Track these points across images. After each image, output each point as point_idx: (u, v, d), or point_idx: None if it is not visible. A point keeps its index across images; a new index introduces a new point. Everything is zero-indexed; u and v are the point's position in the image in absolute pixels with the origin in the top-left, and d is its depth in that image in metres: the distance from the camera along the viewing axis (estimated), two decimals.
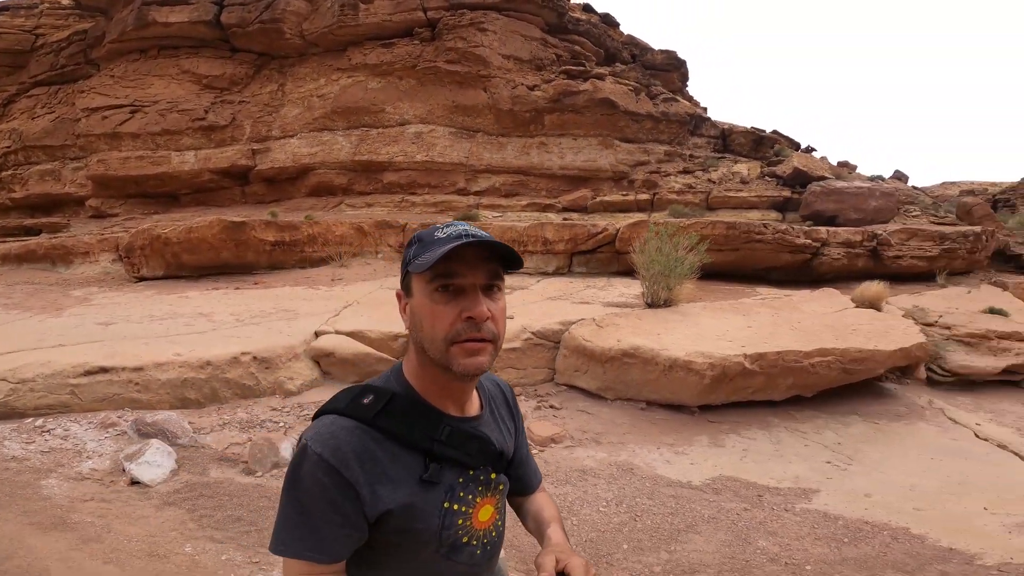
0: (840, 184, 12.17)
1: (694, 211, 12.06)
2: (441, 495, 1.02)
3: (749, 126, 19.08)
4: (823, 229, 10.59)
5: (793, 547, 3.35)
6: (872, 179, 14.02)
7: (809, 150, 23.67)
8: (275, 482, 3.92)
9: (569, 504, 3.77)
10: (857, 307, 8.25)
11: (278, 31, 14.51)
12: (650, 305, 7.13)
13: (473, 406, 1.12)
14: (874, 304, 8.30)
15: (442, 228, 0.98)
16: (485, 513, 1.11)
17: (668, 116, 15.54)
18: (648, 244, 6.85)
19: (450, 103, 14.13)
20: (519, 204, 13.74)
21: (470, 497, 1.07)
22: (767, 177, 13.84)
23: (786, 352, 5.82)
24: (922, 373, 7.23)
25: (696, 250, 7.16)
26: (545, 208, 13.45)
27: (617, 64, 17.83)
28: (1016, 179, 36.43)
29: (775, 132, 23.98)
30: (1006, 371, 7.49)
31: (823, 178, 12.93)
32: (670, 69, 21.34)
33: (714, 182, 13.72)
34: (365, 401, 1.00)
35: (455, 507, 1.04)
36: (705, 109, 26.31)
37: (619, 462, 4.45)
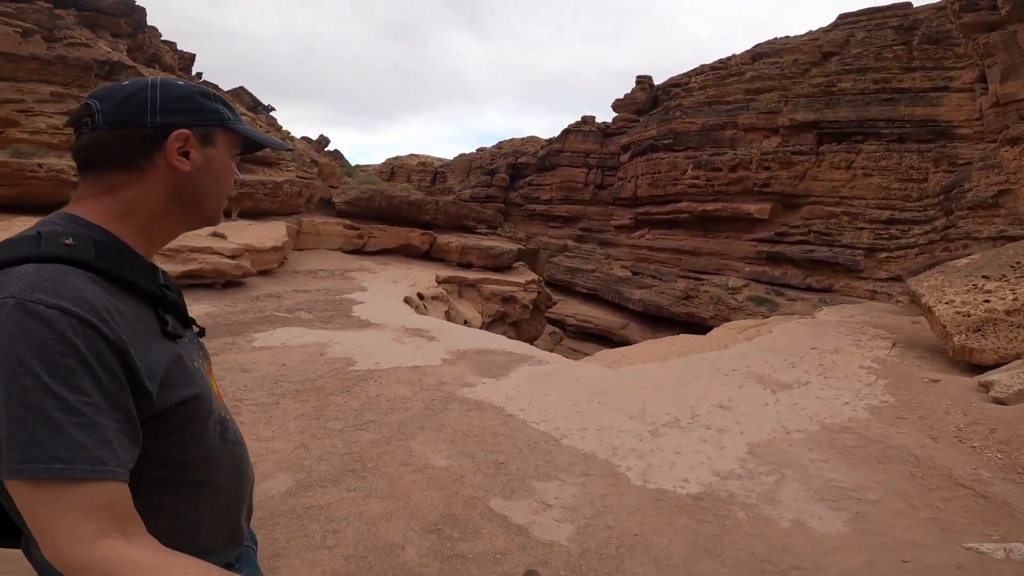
0: None
1: (38, 151, 11.95)
2: (188, 354, 0.84)
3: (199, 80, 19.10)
4: None
5: None
6: None
7: (268, 109, 25.11)
8: None
9: None
10: None
11: None
12: None
13: None
14: None
15: (216, 96, 0.93)
16: (215, 385, 0.94)
17: (65, 60, 14.85)
18: None
19: None
20: None
21: (199, 359, 0.90)
22: None
23: None
24: None
25: None
26: None
27: (25, 5, 15.99)
28: (451, 157, 47.23)
29: (240, 88, 24.49)
30: (185, 275, 9.33)
31: None
32: (120, 15, 20.48)
33: None
34: (68, 242, 0.74)
35: (199, 367, 0.87)
36: (192, 57, 25.08)
37: None
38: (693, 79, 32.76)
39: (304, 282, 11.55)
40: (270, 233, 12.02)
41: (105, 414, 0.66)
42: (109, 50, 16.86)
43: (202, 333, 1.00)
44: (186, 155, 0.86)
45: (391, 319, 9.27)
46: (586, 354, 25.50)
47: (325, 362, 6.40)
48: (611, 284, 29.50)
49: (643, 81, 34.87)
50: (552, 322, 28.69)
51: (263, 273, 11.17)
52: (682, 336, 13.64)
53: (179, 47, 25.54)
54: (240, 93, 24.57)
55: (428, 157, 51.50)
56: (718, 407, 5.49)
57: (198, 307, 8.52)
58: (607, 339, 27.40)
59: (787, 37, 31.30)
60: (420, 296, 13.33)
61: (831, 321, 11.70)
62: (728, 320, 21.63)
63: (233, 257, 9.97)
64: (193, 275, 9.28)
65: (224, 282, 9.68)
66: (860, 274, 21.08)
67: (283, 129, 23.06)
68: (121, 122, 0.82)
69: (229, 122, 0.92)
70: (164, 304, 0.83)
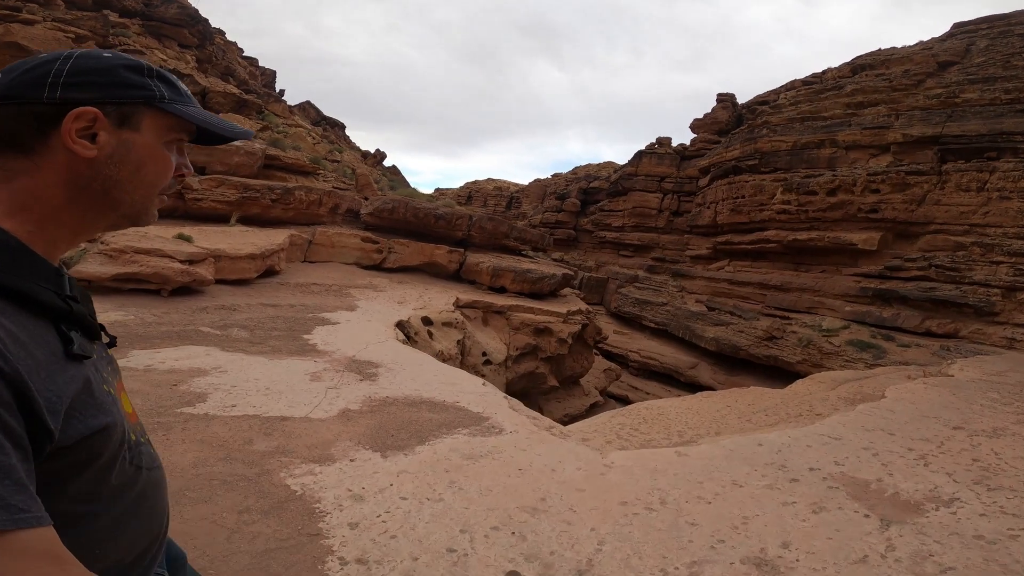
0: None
1: None
2: (97, 375, 0.70)
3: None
4: None
5: None
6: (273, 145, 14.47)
7: (335, 124, 24.51)
8: None
9: None
10: None
11: None
12: None
13: None
14: None
15: (154, 71, 0.73)
16: (127, 403, 0.79)
17: None
18: None
19: None
20: None
21: (109, 377, 0.74)
22: None
23: None
24: None
25: None
26: None
27: (79, 12, 16.48)
28: (526, 182, 45.38)
29: (307, 103, 24.07)
30: (119, 277, 7.77)
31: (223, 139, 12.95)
32: (183, 24, 20.49)
33: None
34: None
35: (108, 390, 0.71)
36: (273, 74, 25.31)
37: None
38: (783, 95, 28.96)
39: (284, 296, 9.77)
40: (260, 241, 10.45)
41: (12, 456, 0.55)
42: (165, 58, 16.67)
43: (112, 343, 0.82)
44: (93, 138, 0.69)
45: (347, 347, 7.10)
46: (648, 393, 22.07)
47: (161, 396, 4.29)
48: (682, 319, 25.85)
49: (725, 99, 31.29)
50: (614, 357, 25.51)
51: (237, 283, 9.51)
52: (752, 389, 10.29)
53: (285, 72, 25.99)
54: (306, 107, 24.25)
55: (504, 182, 50.29)
56: (753, 564, 2.65)
57: (113, 314, 6.86)
58: (673, 379, 23.84)
59: (893, 48, 27.22)
60: (427, 321, 11.12)
61: (973, 381, 8.03)
62: (820, 367, 17.49)
63: (189, 262, 8.34)
64: (129, 278, 7.70)
65: (172, 289, 8.07)
66: (995, 318, 16.24)
67: (337, 143, 22.27)
68: (14, 96, 0.67)
69: (159, 101, 0.72)
70: (69, 319, 0.68)
